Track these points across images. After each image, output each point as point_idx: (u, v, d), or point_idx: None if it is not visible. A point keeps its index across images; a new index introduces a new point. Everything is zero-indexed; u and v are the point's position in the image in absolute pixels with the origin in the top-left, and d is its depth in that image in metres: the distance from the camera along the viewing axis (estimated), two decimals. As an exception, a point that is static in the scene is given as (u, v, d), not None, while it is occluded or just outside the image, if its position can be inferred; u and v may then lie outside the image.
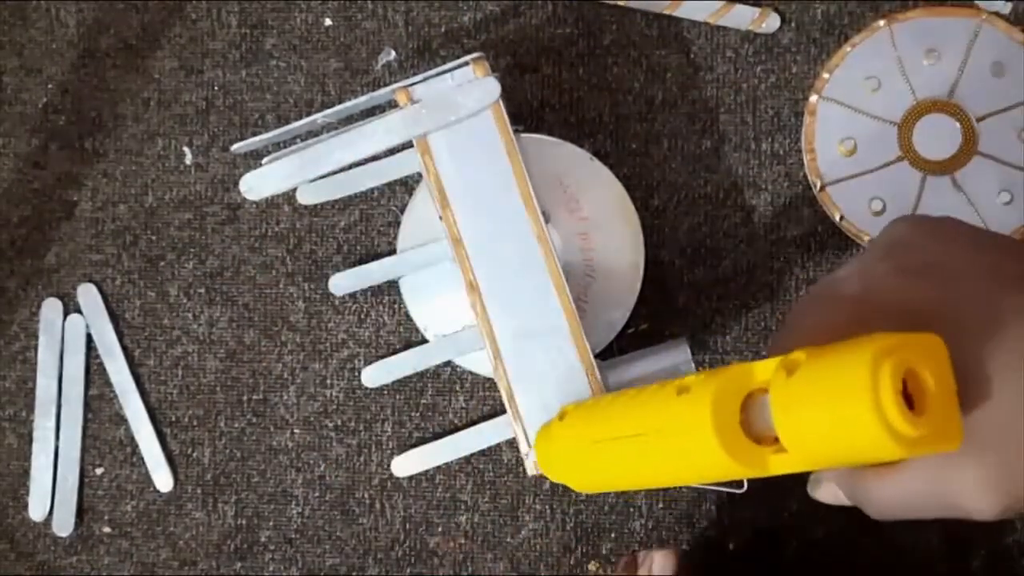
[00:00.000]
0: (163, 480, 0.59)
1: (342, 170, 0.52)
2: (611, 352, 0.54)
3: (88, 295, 0.59)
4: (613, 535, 0.57)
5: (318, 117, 0.51)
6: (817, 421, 0.29)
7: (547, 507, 0.58)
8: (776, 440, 0.31)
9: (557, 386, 0.49)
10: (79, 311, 0.60)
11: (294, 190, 0.53)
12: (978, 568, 0.56)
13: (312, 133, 0.54)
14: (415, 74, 0.51)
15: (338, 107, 0.51)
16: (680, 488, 0.57)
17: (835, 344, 0.29)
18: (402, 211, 0.58)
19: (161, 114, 0.60)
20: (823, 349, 0.30)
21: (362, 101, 0.51)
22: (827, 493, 0.37)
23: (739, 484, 0.47)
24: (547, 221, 0.51)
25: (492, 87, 0.50)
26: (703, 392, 0.33)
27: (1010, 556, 0.56)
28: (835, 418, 0.28)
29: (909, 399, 0.28)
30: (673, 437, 0.35)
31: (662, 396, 0.36)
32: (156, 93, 0.60)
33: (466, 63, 0.50)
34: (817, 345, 0.30)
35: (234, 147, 0.52)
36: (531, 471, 0.49)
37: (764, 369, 0.32)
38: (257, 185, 0.51)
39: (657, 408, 0.36)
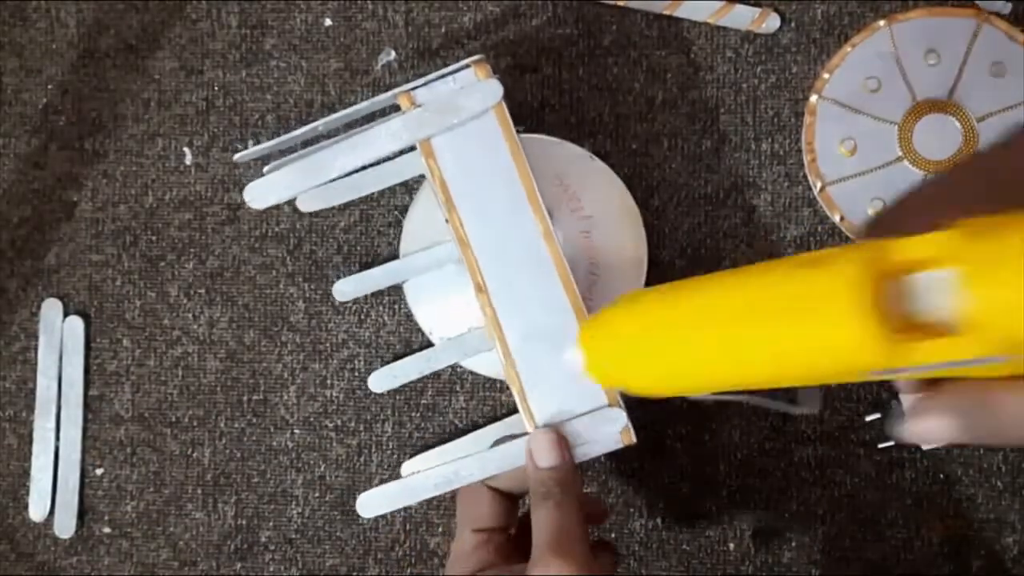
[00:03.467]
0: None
1: (344, 175, 0.52)
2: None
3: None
4: (613, 535, 0.57)
5: (320, 124, 0.51)
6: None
7: (547, 507, 0.58)
8: (915, 329, 0.28)
9: (569, 383, 0.49)
10: (79, 311, 0.60)
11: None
12: (978, 568, 0.56)
13: (313, 137, 0.54)
14: (415, 74, 0.51)
15: (340, 113, 0.51)
16: (680, 487, 0.57)
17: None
18: (402, 212, 0.58)
19: (161, 114, 0.60)
20: (1014, 214, 0.27)
21: (364, 106, 0.51)
22: (931, 428, 0.31)
23: (814, 403, 0.41)
24: (550, 220, 0.51)
25: (494, 89, 0.50)
26: (842, 266, 0.29)
27: (1010, 556, 0.56)
28: None
29: None
30: (794, 319, 0.30)
31: (779, 272, 0.31)
32: (156, 93, 0.60)
33: (467, 66, 0.50)
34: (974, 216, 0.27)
35: (236, 156, 0.52)
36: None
37: (911, 247, 0.28)
38: (261, 194, 0.51)
39: (772, 285, 0.31)
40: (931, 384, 0.32)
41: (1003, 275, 0.27)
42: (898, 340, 0.28)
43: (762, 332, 0.31)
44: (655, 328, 0.36)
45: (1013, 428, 0.29)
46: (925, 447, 0.33)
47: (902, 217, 0.32)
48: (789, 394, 0.41)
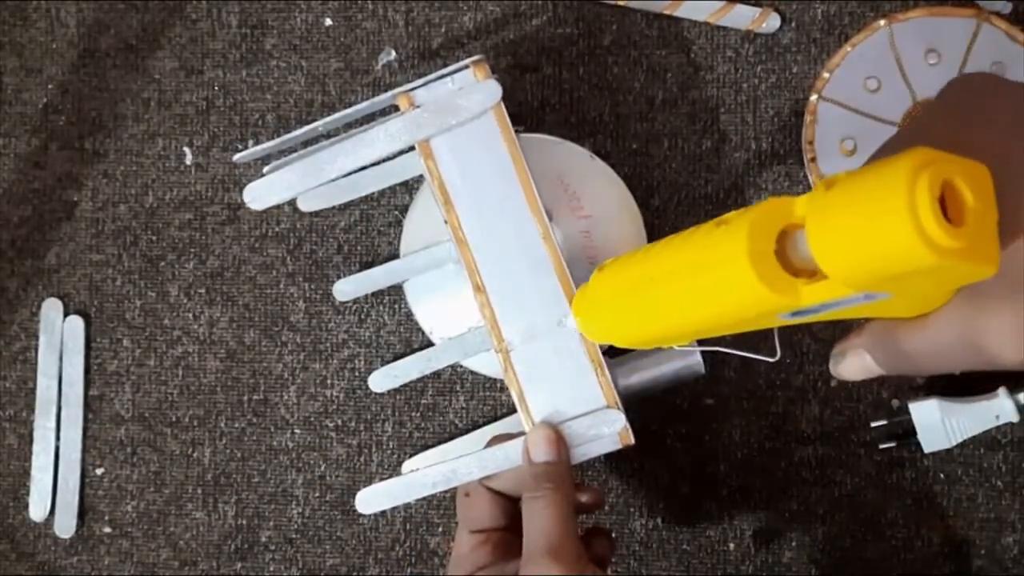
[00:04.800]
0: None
1: (344, 175, 0.52)
2: (619, 350, 0.54)
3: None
4: (613, 535, 0.57)
5: (320, 124, 0.51)
6: (851, 229, 0.29)
7: (547, 507, 0.58)
8: (811, 274, 0.32)
9: (568, 385, 0.49)
10: (79, 311, 0.60)
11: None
12: (978, 568, 0.56)
13: (313, 137, 0.54)
14: (416, 74, 0.51)
15: (340, 113, 0.51)
16: (680, 487, 0.57)
17: (875, 161, 0.29)
18: (402, 211, 0.58)
19: (161, 114, 0.60)
20: (863, 167, 0.30)
21: (364, 106, 0.51)
22: (852, 366, 0.37)
23: (772, 353, 0.45)
24: (550, 220, 0.51)
25: (493, 89, 0.50)
26: (740, 223, 0.33)
27: (1010, 556, 0.56)
28: (869, 224, 0.28)
29: (948, 215, 0.28)
30: (709, 271, 0.34)
31: (701, 232, 0.36)
32: (156, 93, 0.60)
33: (466, 66, 0.50)
34: None
35: (236, 157, 0.52)
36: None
37: (803, 203, 0.32)
38: (261, 194, 0.51)
39: (694, 244, 0.36)
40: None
41: (827, 223, 0.30)
42: (786, 285, 0.32)
43: (689, 285, 0.36)
44: (614, 291, 0.42)
45: (920, 358, 0.33)
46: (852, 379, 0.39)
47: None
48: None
